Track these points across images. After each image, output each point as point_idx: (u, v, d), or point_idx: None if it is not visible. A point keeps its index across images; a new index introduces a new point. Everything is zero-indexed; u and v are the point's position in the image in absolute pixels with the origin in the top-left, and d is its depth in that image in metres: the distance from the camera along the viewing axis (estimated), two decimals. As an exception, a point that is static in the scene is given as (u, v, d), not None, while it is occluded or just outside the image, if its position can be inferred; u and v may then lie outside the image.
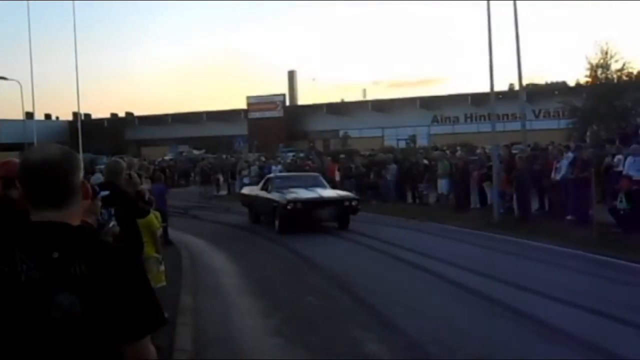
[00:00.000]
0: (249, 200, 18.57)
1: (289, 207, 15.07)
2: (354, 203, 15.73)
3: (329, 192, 16.45)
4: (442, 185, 19.78)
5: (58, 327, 1.81)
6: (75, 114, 59.87)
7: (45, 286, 1.82)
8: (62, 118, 72.80)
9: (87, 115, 66.34)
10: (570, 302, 7.79)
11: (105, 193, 4.57)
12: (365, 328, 7.21)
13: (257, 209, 17.74)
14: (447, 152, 25.94)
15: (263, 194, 16.95)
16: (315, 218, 15.38)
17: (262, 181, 18.52)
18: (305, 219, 15.22)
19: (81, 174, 2.03)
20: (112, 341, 1.86)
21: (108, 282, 1.84)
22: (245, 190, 19.80)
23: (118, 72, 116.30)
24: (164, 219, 13.44)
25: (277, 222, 15.45)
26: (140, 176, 12.85)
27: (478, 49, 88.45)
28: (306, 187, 16.41)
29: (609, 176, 15.30)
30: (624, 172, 13.74)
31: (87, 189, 2.05)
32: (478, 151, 22.60)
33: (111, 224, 4.83)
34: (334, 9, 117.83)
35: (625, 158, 14.46)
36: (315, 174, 19.65)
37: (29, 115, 48.60)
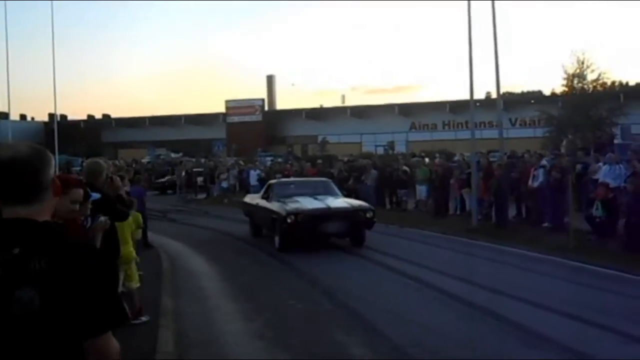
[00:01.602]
0: (249, 210, 16.26)
1: (289, 220, 12.75)
2: (369, 215, 13.32)
3: (338, 202, 13.96)
4: (421, 191, 19.92)
5: (19, 322, 1.82)
6: (51, 115, 59.17)
7: (5, 282, 1.84)
8: (37, 119, 71.85)
9: (64, 117, 65.56)
10: (547, 306, 7.92)
11: (96, 196, 4.53)
12: (348, 332, 7.25)
13: (257, 220, 15.39)
14: (426, 159, 26.13)
15: (263, 203, 14.62)
16: (321, 233, 13.11)
17: (264, 188, 16.18)
18: (309, 234, 12.96)
19: (52, 171, 2.05)
20: (73, 336, 1.87)
21: (67, 278, 1.85)
22: (247, 199, 17.31)
23: (95, 73, 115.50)
24: (143, 221, 13.41)
25: (276, 238, 13.32)
26: (122, 178, 12.84)
27: (454, 57, 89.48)
28: (314, 195, 14.16)
29: (584, 184, 15.54)
30: (600, 180, 13.99)
31: (57, 185, 2.06)
32: (457, 158, 22.80)
33: (101, 218, 4.81)
34: (313, 14, 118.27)
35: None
36: (326, 179, 17.31)
37: (4, 115, 47.91)
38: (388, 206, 21.18)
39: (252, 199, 16.41)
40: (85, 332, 1.89)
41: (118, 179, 8.33)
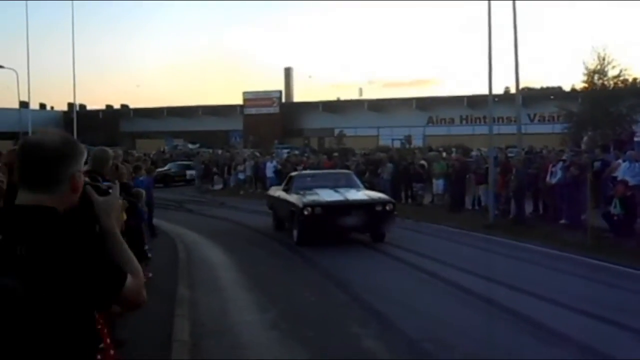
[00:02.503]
0: (271, 203, 15.97)
1: (306, 212, 12.57)
2: (388, 207, 12.94)
3: (358, 194, 13.67)
4: (438, 185, 19.82)
5: (2, 309, 1.84)
6: (70, 105, 59.72)
7: None
8: (56, 108, 72.66)
9: (82, 106, 66.06)
10: (565, 304, 7.85)
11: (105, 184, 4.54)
12: (362, 324, 7.26)
13: (279, 213, 15.08)
14: (443, 153, 26.02)
15: (283, 195, 14.51)
16: (340, 226, 12.88)
17: (285, 180, 16.08)
18: (327, 227, 12.72)
19: (77, 166, 2.05)
20: (67, 316, 1.88)
21: (48, 263, 1.85)
22: (271, 191, 16.86)
23: (114, 64, 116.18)
24: (150, 210, 13.58)
25: (294, 231, 13.18)
26: (139, 168, 13.00)
27: (473, 51, 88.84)
28: (334, 187, 13.98)
29: (602, 181, 15.39)
30: (619, 178, 13.84)
31: (78, 182, 2.06)
32: (474, 153, 22.69)
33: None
34: (332, 7, 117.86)
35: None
36: (348, 171, 17.15)
37: (24, 105, 48.42)
38: (403, 200, 21.14)
39: (275, 191, 16.14)
40: (90, 307, 1.93)
41: (123, 167, 8.42)
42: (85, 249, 1.94)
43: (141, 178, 12.98)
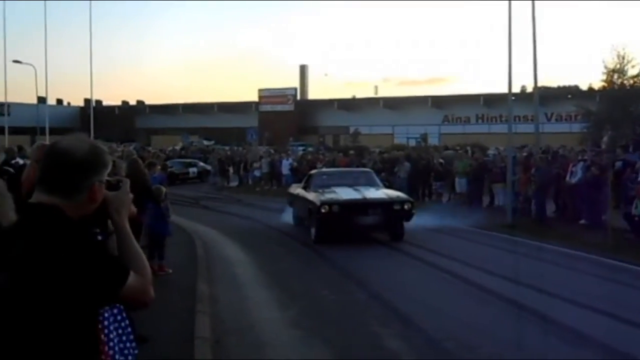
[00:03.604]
0: (291, 201, 15.93)
1: (323, 210, 12.54)
2: (406, 206, 12.85)
3: (376, 193, 13.57)
4: (461, 184, 19.62)
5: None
6: (86, 100, 60.22)
7: None
8: (73, 104, 73.12)
9: (99, 102, 66.45)
10: (586, 305, 7.78)
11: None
12: (383, 323, 7.24)
13: (298, 211, 15.05)
14: (460, 151, 25.90)
15: (302, 193, 14.49)
16: (358, 225, 12.84)
17: (305, 177, 15.98)
18: (345, 226, 12.71)
19: (98, 176, 2.05)
20: (58, 317, 1.86)
21: (41, 261, 1.84)
22: (291, 189, 16.78)
23: (131, 60, 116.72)
24: None
25: (312, 229, 13.16)
26: (153, 164, 13.03)
27: (489, 49, 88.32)
28: (354, 186, 13.91)
29: (623, 181, 15.24)
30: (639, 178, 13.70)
31: (96, 194, 2.05)
32: (492, 152, 22.56)
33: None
34: (348, 4, 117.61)
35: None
36: (368, 169, 16.99)
37: (42, 100, 48.83)
38: (420, 199, 21.06)
39: (294, 188, 16.17)
40: (88, 305, 1.92)
41: (121, 162, 8.46)
42: (83, 247, 1.93)
43: (155, 175, 13.00)
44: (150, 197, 9.07)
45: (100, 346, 2.25)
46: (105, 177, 2.12)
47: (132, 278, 1.98)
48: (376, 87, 70.48)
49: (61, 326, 1.87)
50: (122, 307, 2.89)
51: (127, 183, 2.26)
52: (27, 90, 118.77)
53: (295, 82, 67.03)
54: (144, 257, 2.13)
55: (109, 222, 2.21)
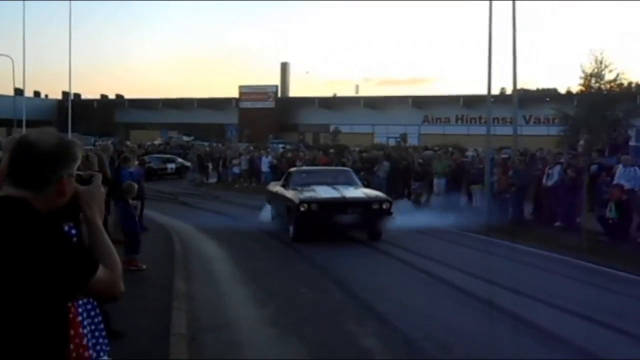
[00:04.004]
0: (270, 198, 15.96)
1: (302, 208, 12.57)
2: (385, 206, 12.96)
3: (355, 192, 13.63)
4: (439, 184, 19.72)
5: None
6: (64, 93, 59.47)
7: None
8: (51, 96, 72.26)
9: (77, 95, 65.72)
10: (561, 307, 7.88)
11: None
12: (359, 322, 7.27)
13: (277, 209, 15.03)
14: (439, 152, 26.05)
15: (281, 190, 14.51)
16: (336, 224, 12.90)
17: (284, 175, 15.94)
18: (323, 224, 12.78)
19: (67, 169, 2.06)
20: (24, 308, 1.88)
21: (9, 251, 1.86)
22: (270, 186, 16.85)
23: (110, 54, 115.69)
24: (141, 203, 13.50)
25: (290, 227, 13.14)
26: (127, 159, 12.91)
27: (469, 50, 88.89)
28: (333, 184, 13.93)
29: (598, 185, 15.46)
30: (615, 182, 13.91)
31: (65, 188, 2.06)
32: (470, 153, 22.72)
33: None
34: (330, 3, 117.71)
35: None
36: (346, 168, 16.93)
37: (19, 92, 48.14)
38: (398, 199, 21.12)
39: (273, 186, 16.19)
40: (54, 297, 1.93)
41: (94, 156, 8.39)
42: (51, 239, 1.93)
43: (131, 169, 12.84)
44: (116, 194, 9.04)
45: (69, 338, 2.25)
46: (76, 171, 2.13)
47: (101, 271, 1.99)
48: (357, 86, 70.98)
49: (28, 317, 1.88)
50: (95, 302, 2.88)
51: (98, 177, 2.26)
52: (3, 82, 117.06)
53: (276, 80, 66.95)
54: (114, 251, 2.14)
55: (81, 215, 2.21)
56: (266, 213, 16.02)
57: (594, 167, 16.60)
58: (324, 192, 13.29)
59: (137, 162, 14.86)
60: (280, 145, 40.89)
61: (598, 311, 7.66)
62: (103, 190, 2.25)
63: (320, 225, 12.76)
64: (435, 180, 19.70)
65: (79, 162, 2.14)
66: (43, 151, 2.00)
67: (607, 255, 11.25)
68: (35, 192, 1.99)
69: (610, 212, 13.05)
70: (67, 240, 2.04)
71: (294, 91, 68.53)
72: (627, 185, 13.55)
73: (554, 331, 6.89)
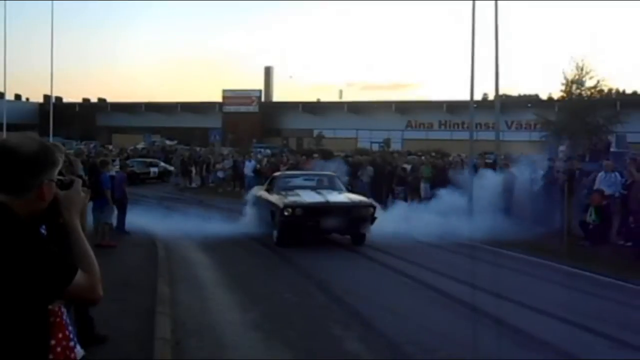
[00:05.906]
0: (253, 203, 15.83)
1: (286, 212, 12.57)
2: (369, 211, 13.04)
3: (339, 197, 13.65)
4: (425, 189, 19.78)
5: None
6: (46, 97, 59.03)
7: None
8: (32, 100, 71.59)
9: (59, 99, 65.26)
10: (542, 310, 7.98)
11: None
12: (344, 326, 7.30)
13: (261, 213, 14.82)
14: (423, 157, 26.19)
15: (265, 195, 14.47)
16: (320, 228, 12.79)
17: (268, 180, 15.90)
18: (307, 228, 12.73)
19: (47, 174, 2.08)
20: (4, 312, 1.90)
21: None
22: (254, 191, 16.66)
23: (93, 57, 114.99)
24: (123, 207, 13.47)
25: (274, 232, 13.12)
26: (106, 163, 12.84)
27: (452, 56, 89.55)
28: (317, 189, 14.12)
29: (579, 190, 15.61)
30: (595, 187, 14.08)
31: (45, 192, 2.08)
32: (452, 159, 22.84)
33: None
34: (314, 8, 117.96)
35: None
36: (331, 173, 16.67)
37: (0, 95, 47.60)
38: (382, 203, 21.17)
39: (257, 190, 16.10)
40: (33, 301, 1.94)
41: (77, 160, 8.37)
42: (30, 244, 1.95)
43: (112, 173, 12.73)
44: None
45: (57, 341, 2.26)
46: (57, 176, 2.14)
47: (79, 276, 2.01)
48: (341, 91, 71.11)
49: (7, 321, 1.89)
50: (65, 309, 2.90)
51: (79, 182, 2.27)
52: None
53: (260, 84, 66.95)
54: (93, 255, 2.15)
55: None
56: (250, 217, 15.97)
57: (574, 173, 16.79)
58: (308, 196, 13.31)
59: (117, 167, 14.78)
60: (266, 151, 40.79)
61: (579, 314, 7.77)
62: (83, 195, 2.26)
63: (304, 230, 12.76)
64: (422, 185, 19.82)
65: (59, 167, 2.15)
66: (24, 156, 2.01)
67: (587, 259, 11.41)
68: (15, 196, 2.00)
69: (591, 217, 13.23)
70: (46, 245, 2.04)
71: (278, 96, 68.70)
72: (607, 191, 13.73)
73: (536, 334, 6.97)
